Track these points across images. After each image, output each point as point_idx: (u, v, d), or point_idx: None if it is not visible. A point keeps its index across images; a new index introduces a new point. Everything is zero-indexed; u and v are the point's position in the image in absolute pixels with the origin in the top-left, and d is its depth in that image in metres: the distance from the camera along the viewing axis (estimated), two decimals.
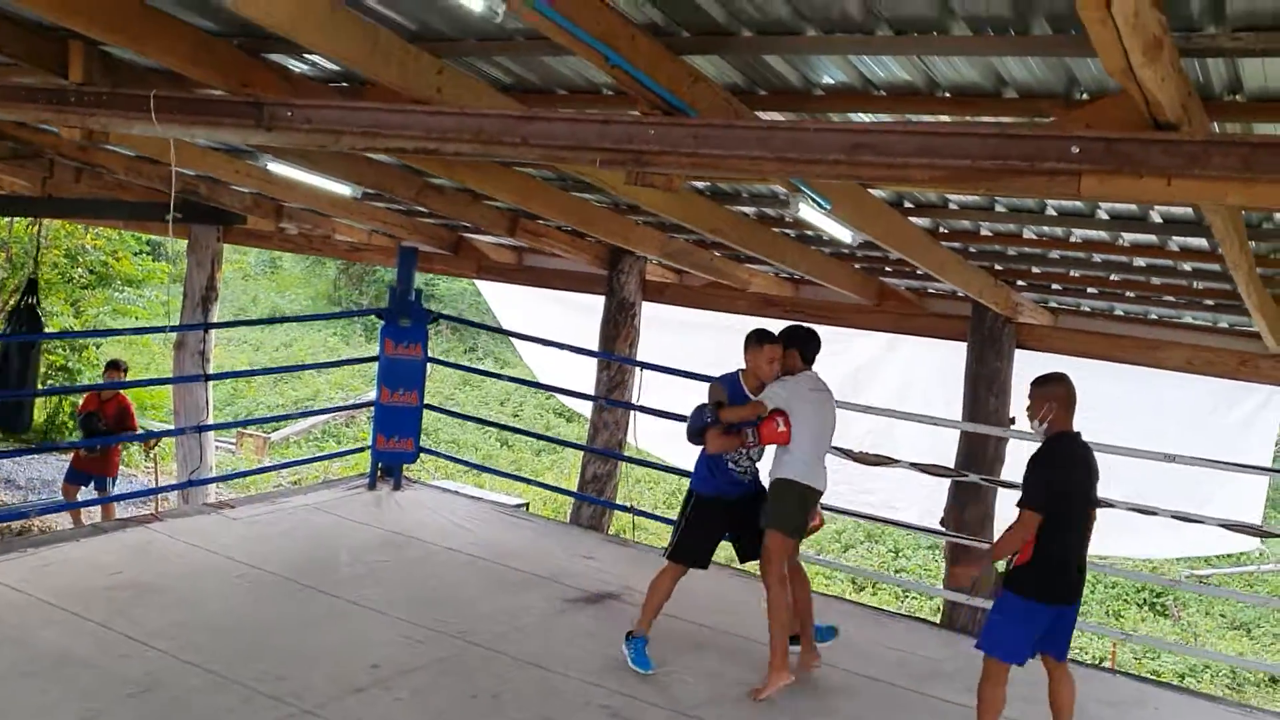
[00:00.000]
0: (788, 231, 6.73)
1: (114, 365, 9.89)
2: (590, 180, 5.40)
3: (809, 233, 6.71)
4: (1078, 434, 4.58)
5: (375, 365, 8.11)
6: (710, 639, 5.76)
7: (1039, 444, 4.60)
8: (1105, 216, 5.15)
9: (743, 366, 5.30)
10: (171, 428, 11.20)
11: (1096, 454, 4.62)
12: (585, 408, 9.55)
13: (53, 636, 4.96)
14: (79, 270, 16.13)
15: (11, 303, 15.20)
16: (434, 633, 5.48)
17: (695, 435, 5.29)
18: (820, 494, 5.20)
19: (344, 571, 6.36)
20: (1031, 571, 4.50)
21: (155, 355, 20.08)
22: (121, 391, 9.48)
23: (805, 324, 5.35)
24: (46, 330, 12.45)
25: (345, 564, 6.49)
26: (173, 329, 9.51)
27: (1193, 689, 8.21)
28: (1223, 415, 7.07)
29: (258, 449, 17.66)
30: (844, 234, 5.43)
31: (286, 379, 23.75)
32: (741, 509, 5.36)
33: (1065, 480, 4.51)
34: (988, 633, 4.67)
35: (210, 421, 10.91)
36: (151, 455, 13.01)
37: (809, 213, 4.90)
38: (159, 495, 8.35)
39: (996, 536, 5.12)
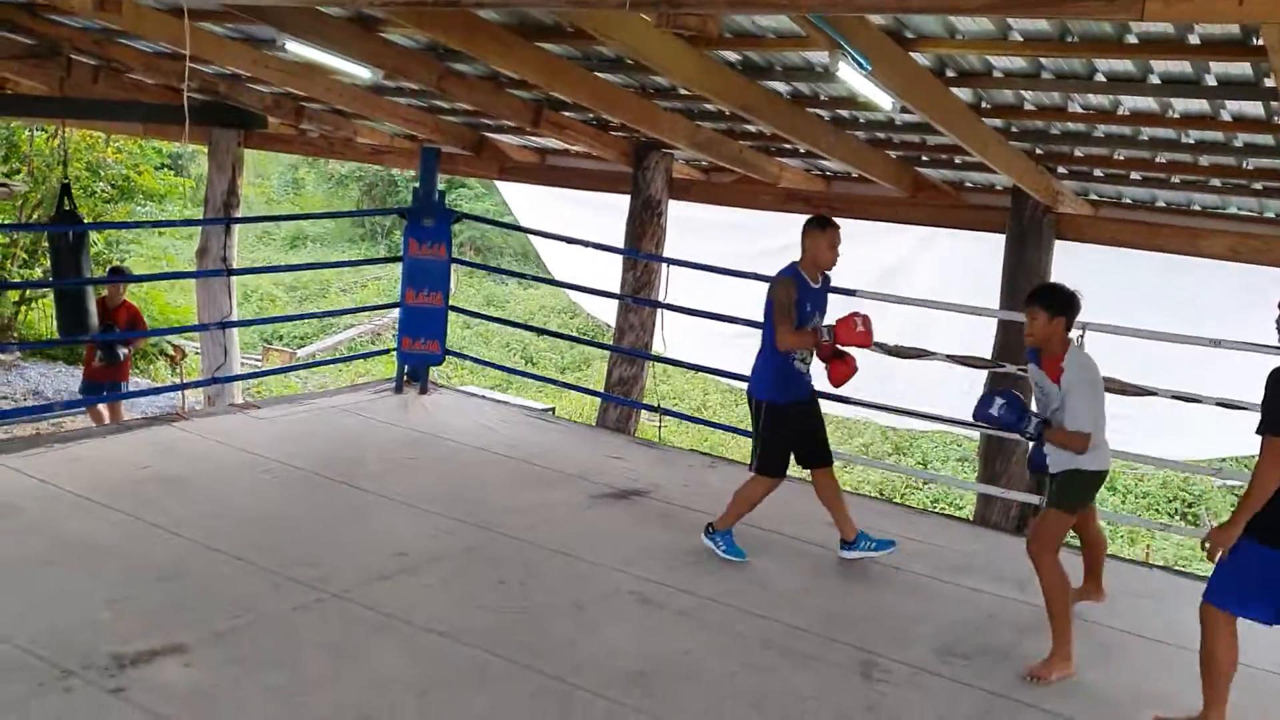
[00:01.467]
0: (821, 113, 6.50)
1: (117, 271, 9.60)
2: (616, 53, 5.14)
3: (844, 114, 6.49)
4: None
5: (398, 285, 7.97)
6: (759, 540, 5.66)
7: None
8: (1156, 81, 4.88)
9: (796, 259, 5.11)
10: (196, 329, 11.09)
11: (1136, 341, 4.26)
12: (610, 314, 9.40)
13: (79, 526, 4.94)
14: (101, 184, 16.02)
15: (37, 215, 15.19)
16: (462, 524, 5.44)
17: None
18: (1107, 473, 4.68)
19: (371, 467, 6.32)
20: (1274, 513, 3.67)
21: (174, 266, 20.04)
22: (126, 300, 9.31)
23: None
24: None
25: (372, 461, 6.45)
26: (200, 222, 9.25)
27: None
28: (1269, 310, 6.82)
29: (283, 362, 17.70)
30: (884, 100, 5.16)
31: (311, 298, 23.78)
32: (806, 412, 5.27)
33: None
34: (1213, 580, 3.91)
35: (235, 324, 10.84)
36: (178, 370, 13.03)
37: (849, 74, 4.65)
38: (184, 393, 8.28)
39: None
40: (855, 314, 5.00)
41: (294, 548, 4.92)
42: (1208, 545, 3.81)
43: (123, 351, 9.05)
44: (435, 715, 3.62)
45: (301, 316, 19.14)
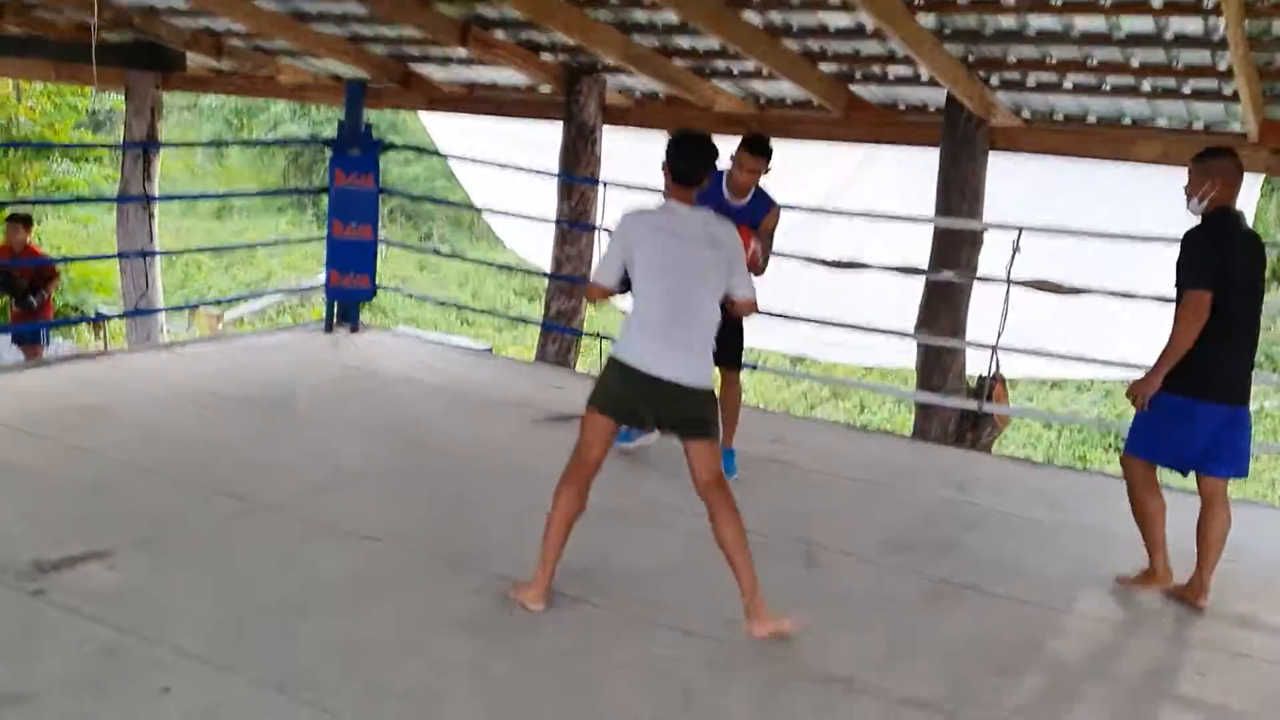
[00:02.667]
0: (754, 21, 6.41)
1: (16, 219, 8.80)
2: None
3: (777, 19, 6.42)
4: (1240, 212, 4.05)
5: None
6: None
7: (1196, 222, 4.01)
8: None
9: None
10: (121, 310, 10.71)
11: (1070, 239, 4.30)
12: (544, 258, 9.24)
13: None
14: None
15: None
16: (398, 446, 5.32)
17: None
18: (655, 381, 3.57)
19: (302, 398, 6.17)
20: (1186, 364, 3.90)
21: (95, 229, 19.47)
22: (29, 241, 8.92)
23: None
24: None
25: (302, 393, 6.28)
26: (117, 199, 8.94)
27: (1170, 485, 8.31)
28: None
29: (210, 327, 17.27)
30: None
31: (239, 262, 23.24)
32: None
33: (1228, 260, 3.89)
34: (1131, 433, 4.16)
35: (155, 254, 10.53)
36: (102, 336, 12.65)
37: None
38: (106, 335, 8.02)
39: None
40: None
41: (222, 467, 4.76)
42: (1131, 396, 4.05)
43: (33, 300, 8.72)
44: (373, 609, 3.52)
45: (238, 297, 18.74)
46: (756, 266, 4.81)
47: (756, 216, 4.85)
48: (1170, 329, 3.90)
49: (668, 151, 3.65)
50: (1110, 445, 15.31)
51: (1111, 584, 4.31)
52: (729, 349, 5.13)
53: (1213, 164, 4.03)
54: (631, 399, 3.63)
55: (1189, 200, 4.05)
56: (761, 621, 3.57)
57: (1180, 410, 3.95)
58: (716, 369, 5.03)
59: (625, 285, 3.71)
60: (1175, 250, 4.55)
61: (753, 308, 3.82)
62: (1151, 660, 3.71)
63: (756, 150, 4.78)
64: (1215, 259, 3.86)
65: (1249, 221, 7.21)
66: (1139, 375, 4.04)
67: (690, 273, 3.60)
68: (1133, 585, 4.24)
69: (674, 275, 3.58)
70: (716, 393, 3.94)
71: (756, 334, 8.69)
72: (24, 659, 3.00)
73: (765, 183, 4.90)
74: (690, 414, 3.65)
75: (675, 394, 3.57)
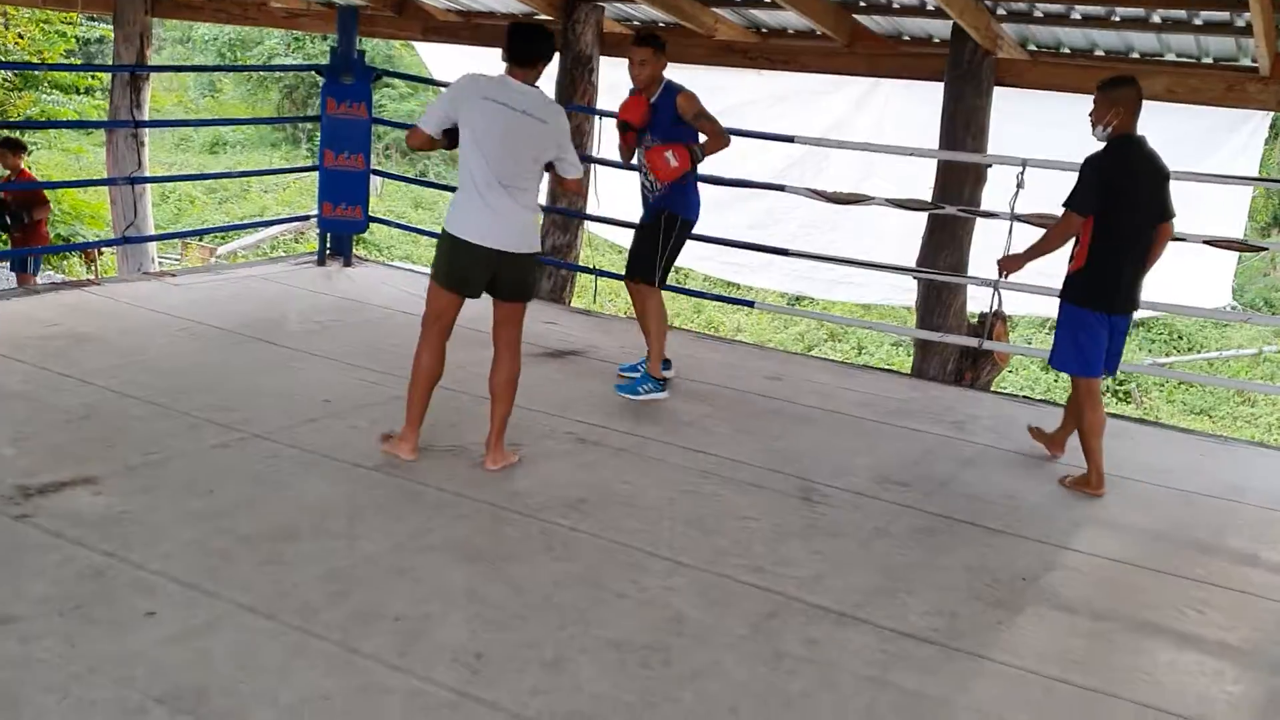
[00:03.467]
0: None
1: (6, 144, 8.64)
2: None
3: None
4: (1141, 137, 4.35)
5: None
6: (698, 392, 5.61)
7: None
8: None
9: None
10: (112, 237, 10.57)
11: (1075, 175, 4.37)
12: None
13: None
14: (3, 73, 15.19)
15: None
16: (389, 375, 5.22)
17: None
18: (483, 250, 3.93)
19: (294, 328, 6.08)
20: (1082, 277, 4.40)
21: (87, 160, 19.22)
22: (23, 167, 8.77)
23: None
24: None
25: (294, 323, 6.20)
26: (107, 124, 8.76)
27: (1168, 424, 8.25)
28: (1208, 155, 6.81)
29: (203, 261, 17.12)
30: None
31: (232, 199, 23.03)
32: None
33: (1122, 183, 4.29)
34: (1056, 350, 4.57)
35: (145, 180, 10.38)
36: (94, 268, 12.50)
37: None
38: (97, 263, 7.91)
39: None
40: (670, 149, 5.00)
41: (212, 395, 4.69)
42: (1000, 266, 4.86)
43: (24, 217, 8.58)
44: (363, 535, 3.47)
45: (226, 229, 18.47)
46: (666, 169, 5.00)
47: (669, 110, 5.09)
48: (1043, 234, 4.54)
49: (505, 37, 3.99)
50: (1107, 388, 15.30)
51: (1109, 520, 4.29)
52: (636, 256, 5.29)
53: (1118, 92, 4.28)
54: (464, 269, 3.99)
55: (1094, 127, 4.34)
56: (493, 458, 4.15)
57: (1099, 323, 4.41)
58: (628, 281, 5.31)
59: (451, 142, 3.97)
60: (1178, 187, 4.58)
61: (579, 188, 4.24)
62: (1151, 596, 3.69)
63: (637, 42, 5.11)
64: (1101, 187, 4.25)
65: (1252, 166, 7.19)
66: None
67: (515, 142, 3.88)
68: (1073, 486, 4.59)
69: (498, 143, 3.85)
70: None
71: (754, 273, 8.59)
72: (8, 581, 2.95)
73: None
74: (514, 277, 4.04)
75: (500, 260, 3.95)
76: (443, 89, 4.18)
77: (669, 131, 5.07)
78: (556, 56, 7.92)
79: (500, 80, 3.97)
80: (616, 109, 7.67)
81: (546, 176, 4.20)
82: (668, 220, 5.20)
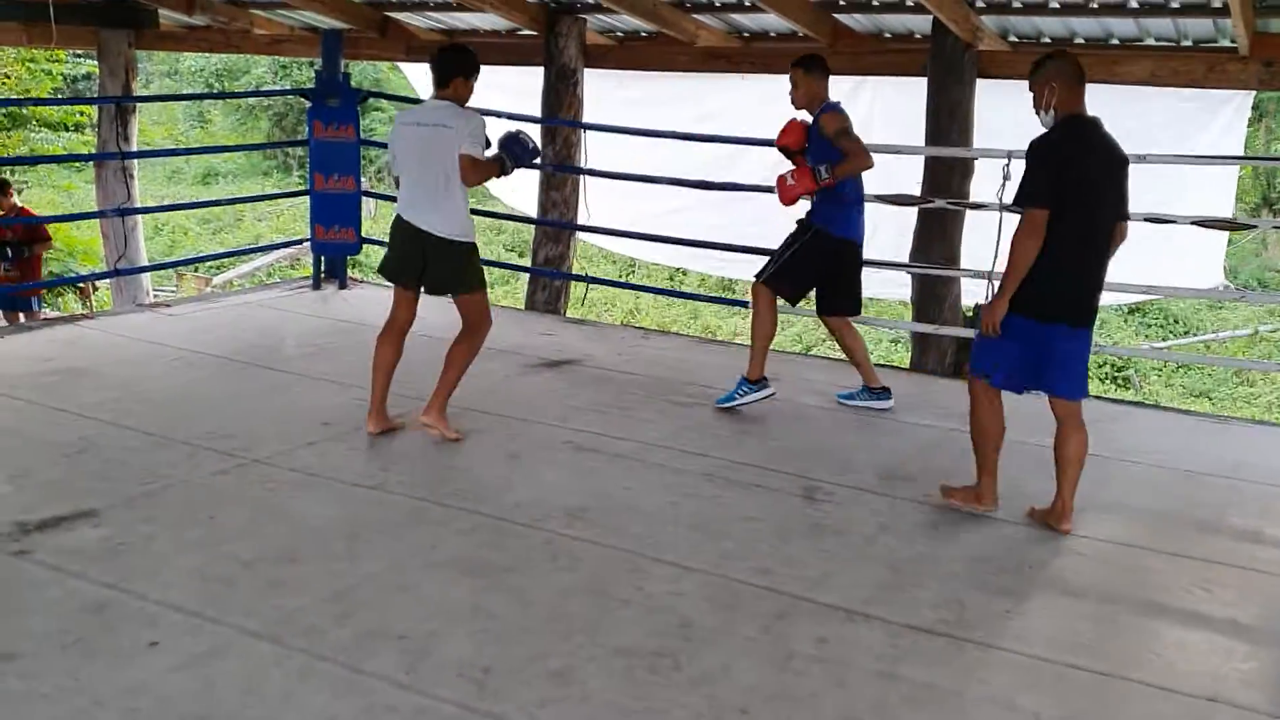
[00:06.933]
0: None
1: None
2: None
3: None
4: (1095, 119, 3.78)
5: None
6: (695, 395, 5.61)
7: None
8: None
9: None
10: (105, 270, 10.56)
11: None
12: (529, 203, 9.10)
13: None
14: None
15: None
16: (391, 395, 5.22)
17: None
18: (413, 230, 4.49)
19: (290, 352, 6.08)
20: (1031, 282, 3.72)
21: (78, 197, 19.24)
22: (21, 206, 8.78)
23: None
24: None
25: (290, 347, 6.20)
26: (94, 157, 8.79)
27: (1167, 406, 8.23)
28: (1192, 137, 6.83)
29: (198, 291, 17.12)
30: None
31: (226, 228, 23.06)
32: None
33: (1075, 169, 3.68)
34: (972, 352, 4.06)
35: (141, 260, 10.39)
36: (88, 303, 12.50)
37: None
38: (91, 298, 7.90)
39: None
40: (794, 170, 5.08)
41: (209, 423, 4.68)
42: (982, 325, 3.92)
43: (25, 251, 8.58)
44: (365, 554, 3.46)
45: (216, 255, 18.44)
46: (784, 190, 5.09)
47: (817, 129, 5.06)
48: (1010, 250, 3.75)
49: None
50: (1105, 375, 15.29)
51: (1111, 503, 4.27)
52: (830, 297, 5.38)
53: (1045, 70, 3.81)
54: (400, 254, 4.56)
55: (1039, 114, 3.83)
56: (429, 414, 4.59)
57: (1022, 330, 3.78)
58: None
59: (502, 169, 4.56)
60: (1165, 170, 4.45)
61: (467, 164, 4.34)
62: (1157, 577, 3.67)
63: (793, 65, 5.11)
64: (1051, 172, 3.65)
65: (1237, 147, 7.17)
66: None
67: (426, 153, 4.37)
68: (952, 496, 4.14)
69: (416, 160, 4.42)
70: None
71: (743, 267, 8.57)
72: (8, 618, 2.94)
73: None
74: (445, 269, 4.49)
75: (427, 242, 4.43)
76: None
77: (823, 152, 5.02)
78: (540, 84, 8.02)
79: (422, 105, 4.59)
80: (602, 120, 7.78)
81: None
82: (800, 226, 5.21)
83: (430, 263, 4.50)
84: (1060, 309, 3.77)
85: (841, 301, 5.37)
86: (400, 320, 4.70)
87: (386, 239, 4.82)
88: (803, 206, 5.28)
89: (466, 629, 3.01)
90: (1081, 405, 3.94)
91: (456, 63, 4.43)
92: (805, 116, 5.13)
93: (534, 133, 8.19)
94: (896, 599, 3.36)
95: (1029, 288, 3.73)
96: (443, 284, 4.60)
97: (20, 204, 8.79)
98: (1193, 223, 5.55)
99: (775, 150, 5.32)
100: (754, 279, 5.26)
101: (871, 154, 4.94)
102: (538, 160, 5.15)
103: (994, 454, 4.06)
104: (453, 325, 4.77)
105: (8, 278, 8.53)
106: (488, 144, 4.45)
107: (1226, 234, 9.09)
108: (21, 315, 8.68)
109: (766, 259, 5.35)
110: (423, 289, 4.68)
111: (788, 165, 5.19)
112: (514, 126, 4.88)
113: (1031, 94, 3.85)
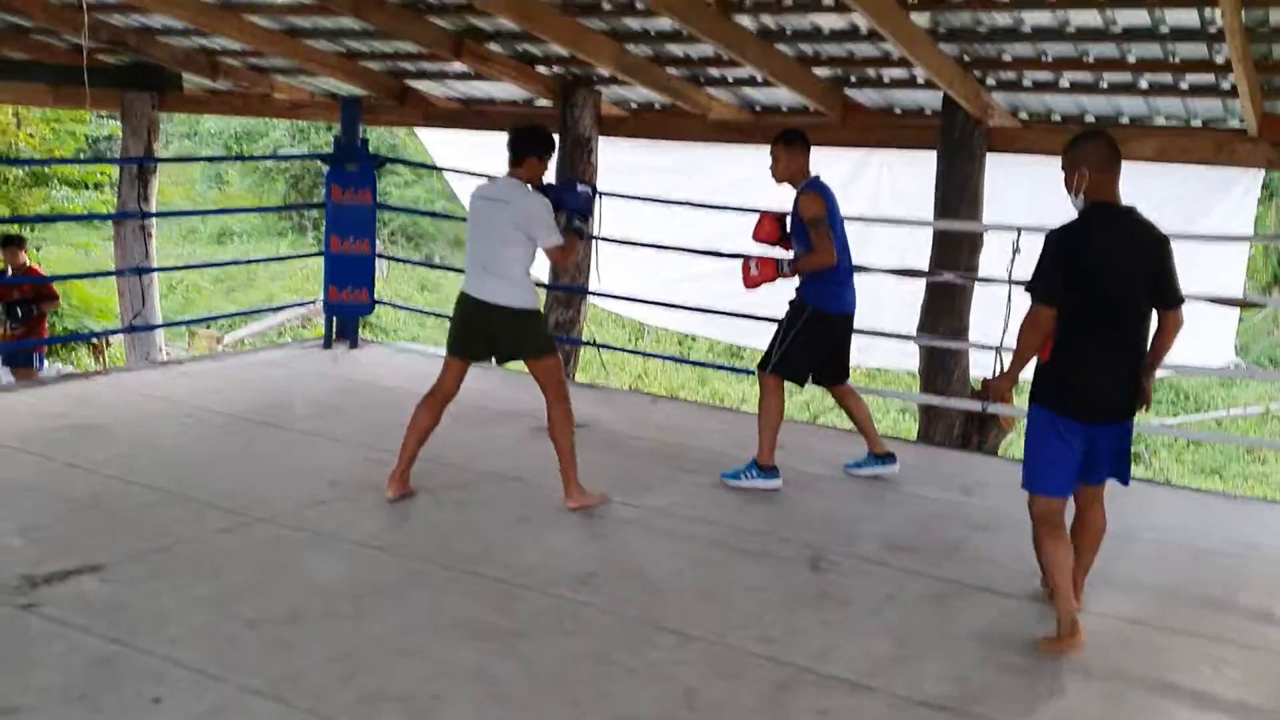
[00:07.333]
0: (747, 25, 6.40)
1: (9, 241, 8.74)
2: None
3: (770, 23, 6.42)
4: (1129, 208, 3.59)
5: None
6: (701, 461, 5.62)
7: None
8: None
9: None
10: (119, 327, 10.68)
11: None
12: (539, 267, 9.20)
13: None
14: (15, 171, 15.47)
15: None
16: (397, 455, 5.24)
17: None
18: (474, 301, 4.54)
19: (300, 411, 6.11)
20: (1050, 377, 3.57)
21: (96, 255, 19.43)
22: (30, 264, 8.91)
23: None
24: None
25: (300, 406, 6.24)
26: (114, 216, 8.95)
27: (1176, 484, 8.18)
28: (1203, 215, 6.88)
29: (210, 349, 17.23)
30: None
31: (239, 287, 23.25)
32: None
33: (1090, 261, 3.46)
34: (1024, 464, 3.71)
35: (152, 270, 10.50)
36: (101, 359, 12.60)
37: None
38: (105, 354, 7.98)
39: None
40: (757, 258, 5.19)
41: (218, 481, 4.70)
42: (985, 393, 4.06)
43: (32, 309, 8.67)
44: (370, 615, 3.46)
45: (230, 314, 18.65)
46: (746, 277, 5.18)
47: (795, 206, 5.08)
48: (1017, 338, 3.61)
49: None
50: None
51: (1122, 580, 4.24)
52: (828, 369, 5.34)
53: (1077, 151, 3.61)
54: (463, 328, 4.63)
55: (1070, 197, 3.65)
56: (572, 497, 4.64)
57: (1068, 431, 3.55)
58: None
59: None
60: (1173, 248, 4.47)
61: (559, 256, 4.64)
62: (1166, 655, 3.64)
63: (773, 141, 5.19)
64: (1062, 267, 3.47)
65: (1246, 225, 7.21)
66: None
67: (485, 225, 4.51)
68: (1048, 648, 3.58)
69: (476, 229, 4.56)
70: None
71: (753, 336, 8.61)
72: (13, 671, 2.94)
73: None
74: (507, 336, 4.56)
75: (487, 312, 4.50)
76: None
77: (801, 232, 5.03)
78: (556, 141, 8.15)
79: (494, 180, 4.63)
80: (616, 188, 7.89)
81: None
82: (794, 308, 5.17)
83: (496, 333, 4.56)
84: (1094, 409, 3.56)
85: (837, 371, 5.37)
86: (445, 389, 4.73)
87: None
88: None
89: (470, 693, 3.00)
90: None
91: (533, 141, 4.53)
92: (789, 188, 5.16)
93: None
94: (901, 671, 3.33)
95: (1057, 384, 3.57)
96: (511, 352, 4.68)
97: (30, 263, 8.90)
98: (1205, 300, 5.57)
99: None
100: (759, 369, 5.22)
101: (833, 252, 4.93)
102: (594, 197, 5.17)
103: (1068, 579, 3.62)
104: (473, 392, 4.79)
105: (14, 335, 8.62)
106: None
107: (1237, 311, 9.11)
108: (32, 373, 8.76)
109: (769, 342, 5.25)
110: (494, 359, 4.79)
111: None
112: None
113: (1064, 177, 3.67)
